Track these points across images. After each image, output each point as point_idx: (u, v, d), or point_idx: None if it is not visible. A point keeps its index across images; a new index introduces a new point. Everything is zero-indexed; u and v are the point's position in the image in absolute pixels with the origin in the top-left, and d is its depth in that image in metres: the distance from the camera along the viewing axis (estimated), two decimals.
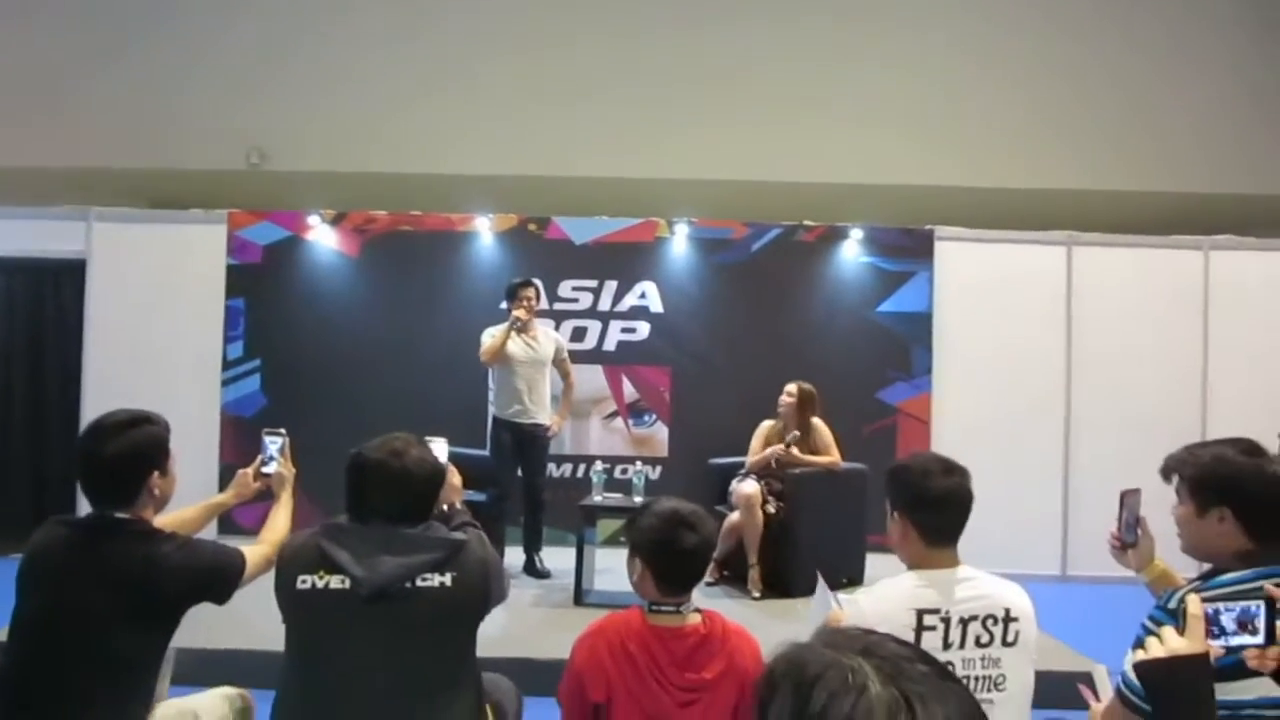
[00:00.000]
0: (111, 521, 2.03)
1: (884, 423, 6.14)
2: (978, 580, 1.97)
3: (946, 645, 1.87)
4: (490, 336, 5.09)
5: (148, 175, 6.25)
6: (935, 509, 1.99)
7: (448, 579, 1.91)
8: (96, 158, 6.11)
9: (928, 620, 1.89)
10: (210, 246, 6.15)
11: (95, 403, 5.85)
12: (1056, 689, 2.72)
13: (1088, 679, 2.23)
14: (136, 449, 2.04)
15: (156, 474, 2.08)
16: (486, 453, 5.30)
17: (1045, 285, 6.11)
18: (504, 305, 5.28)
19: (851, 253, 6.26)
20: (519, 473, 5.20)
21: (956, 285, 6.16)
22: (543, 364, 5.18)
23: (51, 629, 1.94)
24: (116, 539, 2.01)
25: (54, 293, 6.24)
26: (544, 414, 5.19)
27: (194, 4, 6.23)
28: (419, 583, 1.88)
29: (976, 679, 1.88)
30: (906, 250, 6.22)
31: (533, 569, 5.19)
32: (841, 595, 2.06)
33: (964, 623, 1.90)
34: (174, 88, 6.15)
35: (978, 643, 1.89)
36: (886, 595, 1.97)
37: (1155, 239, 6.11)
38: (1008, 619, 1.93)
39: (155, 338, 6.09)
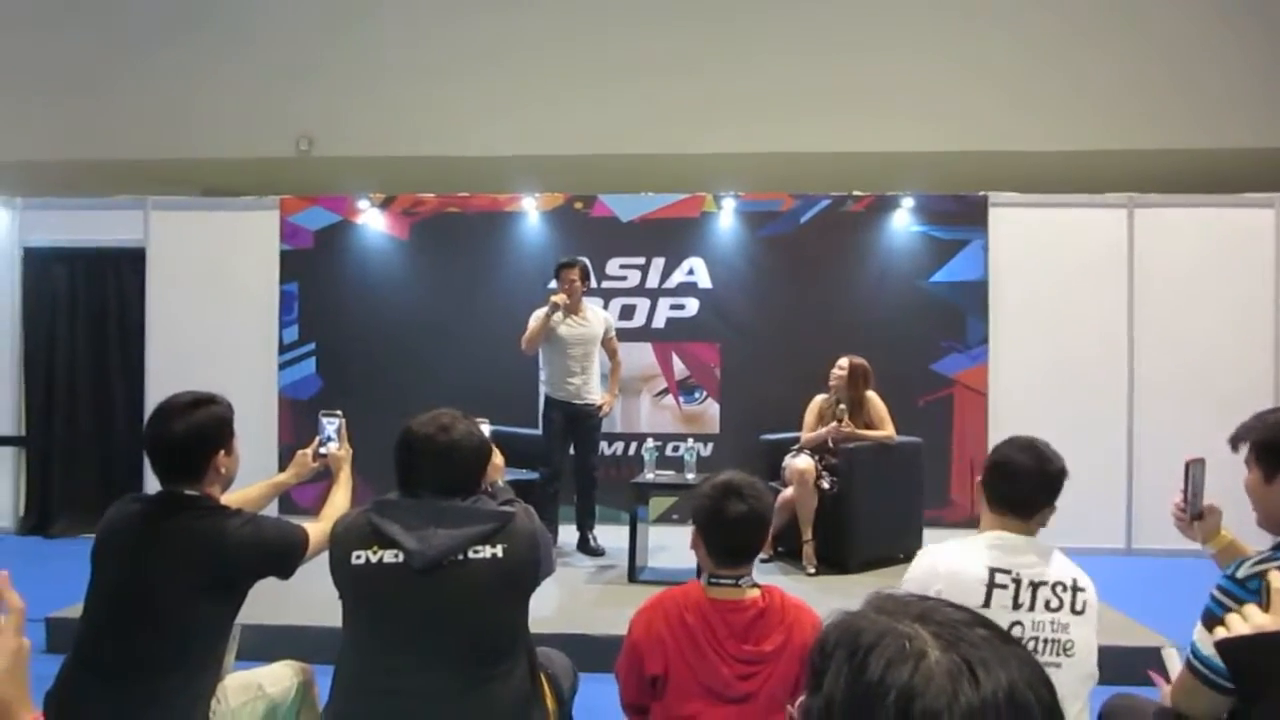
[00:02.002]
0: (181, 498, 2.10)
1: (939, 394, 6.04)
2: (1049, 553, 1.99)
3: (1017, 605, 1.89)
4: (536, 320, 5.10)
5: (201, 164, 6.37)
6: (1006, 479, 2.03)
7: (499, 550, 1.92)
8: (152, 149, 6.24)
9: (999, 579, 1.91)
10: (263, 232, 6.27)
11: (158, 386, 6.01)
12: (1124, 664, 2.67)
13: (1156, 656, 2.18)
14: (202, 428, 2.10)
15: (221, 452, 2.14)
16: (534, 431, 5.33)
17: (1106, 249, 5.93)
18: (552, 284, 5.29)
19: (902, 222, 6.14)
20: (570, 451, 5.22)
21: (1012, 252, 6.01)
22: (593, 342, 5.18)
23: (124, 600, 2.01)
24: (185, 514, 2.07)
25: (116, 280, 6.40)
26: (595, 393, 5.20)
27: None
28: (470, 555, 1.90)
29: (1045, 642, 1.89)
30: (959, 218, 6.08)
31: (586, 547, 5.22)
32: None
33: (1034, 586, 1.92)
34: (223, 78, 6.25)
35: (1047, 607, 1.91)
36: (960, 549, 2.00)
37: (1223, 197, 5.87)
38: (1075, 588, 1.94)
39: (213, 322, 6.23)
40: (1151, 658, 2.39)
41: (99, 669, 1.94)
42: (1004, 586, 1.91)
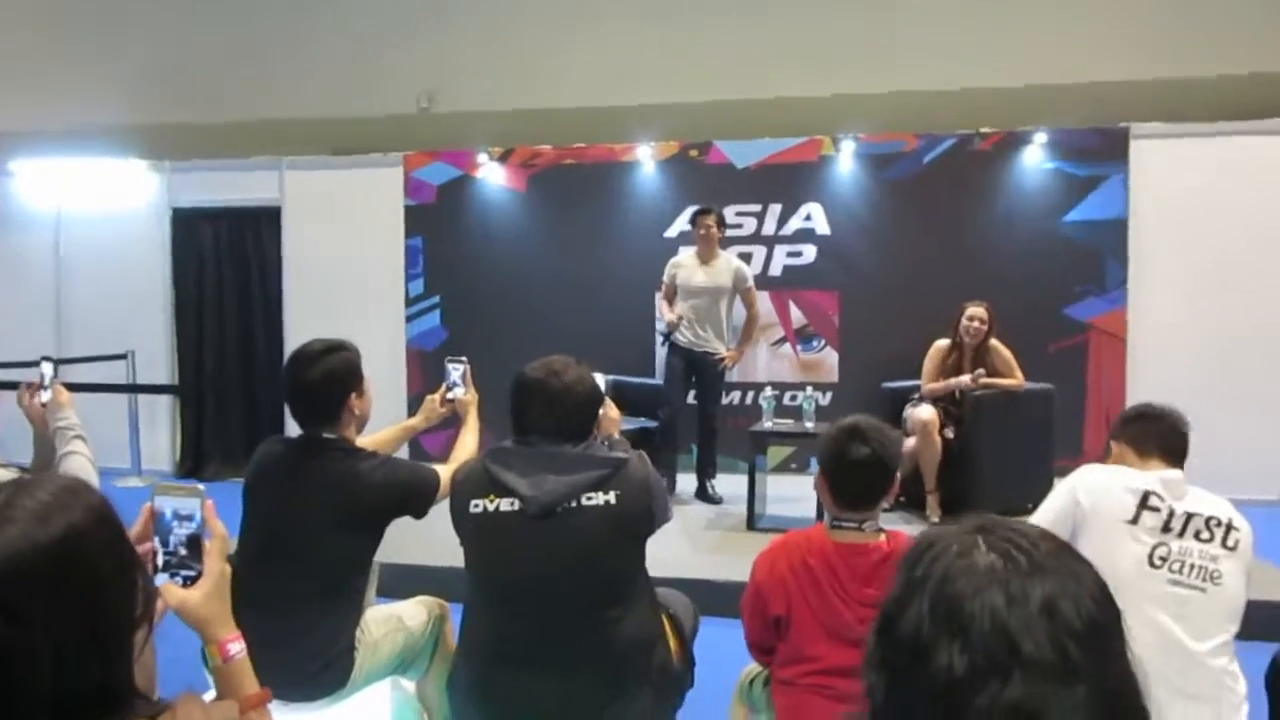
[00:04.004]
0: (320, 441, 2.21)
1: (1073, 340, 5.75)
2: (1204, 494, 2.02)
3: (1166, 529, 1.94)
4: (674, 267, 5.23)
5: (330, 124, 6.57)
6: (1157, 423, 2.12)
7: (611, 497, 1.94)
8: (286, 110, 6.48)
9: (1153, 501, 1.96)
10: (389, 188, 6.45)
11: (296, 337, 6.30)
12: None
13: None
14: (334, 373, 2.20)
15: (354, 395, 2.23)
16: (654, 380, 5.37)
17: (1267, 183, 5.45)
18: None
19: (1034, 159, 5.82)
20: (690, 398, 5.24)
21: (1156, 188, 5.61)
22: (720, 292, 5.15)
23: (272, 536, 2.15)
24: (324, 456, 2.18)
25: (255, 238, 6.75)
26: (718, 343, 5.18)
27: None
28: (584, 501, 1.93)
29: (1191, 567, 1.91)
30: (1097, 152, 5.71)
31: (705, 495, 5.26)
32: None
33: (1188, 517, 1.95)
34: (351, 38, 6.40)
35: (1198, 537, 1.94)
36: (1122, 470, 2.06)
37: None
38: (1230, 526, 1.96)
39: (345, 277, 6.49)
40: None
41: (253, 601, 2.07)
42: (1156, 509, 1.95)
